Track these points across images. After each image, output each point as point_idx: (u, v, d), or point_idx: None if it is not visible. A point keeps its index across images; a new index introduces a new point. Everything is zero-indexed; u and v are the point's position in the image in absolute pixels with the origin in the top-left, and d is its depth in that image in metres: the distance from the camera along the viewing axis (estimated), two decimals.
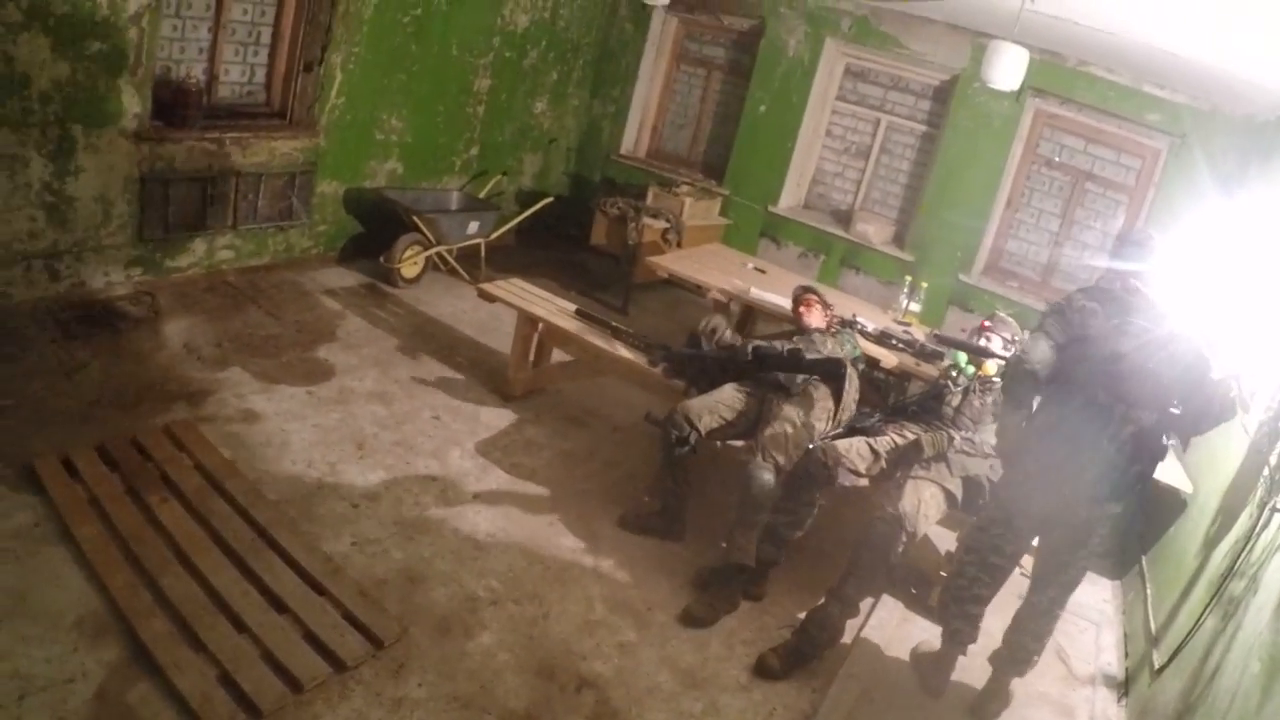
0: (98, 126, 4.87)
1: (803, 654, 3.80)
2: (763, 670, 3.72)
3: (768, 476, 4.06)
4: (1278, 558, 3.33)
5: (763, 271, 6.48)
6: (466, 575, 3.74)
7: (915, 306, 6.21)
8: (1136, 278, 3.52)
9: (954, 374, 4.60)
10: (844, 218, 8.08)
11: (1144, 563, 5.04)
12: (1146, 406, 3.38)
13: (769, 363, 4.52)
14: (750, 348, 4.57)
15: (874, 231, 7.76)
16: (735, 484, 4.13)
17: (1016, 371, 3.59)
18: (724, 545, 4.10)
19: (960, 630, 3.82)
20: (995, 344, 4.67)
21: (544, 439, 5.07)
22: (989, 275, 7.60)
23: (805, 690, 3.68)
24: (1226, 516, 4.02)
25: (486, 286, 5.45)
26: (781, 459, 4.12)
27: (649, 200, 7.73)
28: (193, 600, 3.13)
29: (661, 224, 7.47)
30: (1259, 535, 3.56)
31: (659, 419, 4.89)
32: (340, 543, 3.74)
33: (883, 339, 5.51)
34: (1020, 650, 3.79)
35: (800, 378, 4.51)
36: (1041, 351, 3.50)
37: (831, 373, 4.55)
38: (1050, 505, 3.53)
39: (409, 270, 6.71)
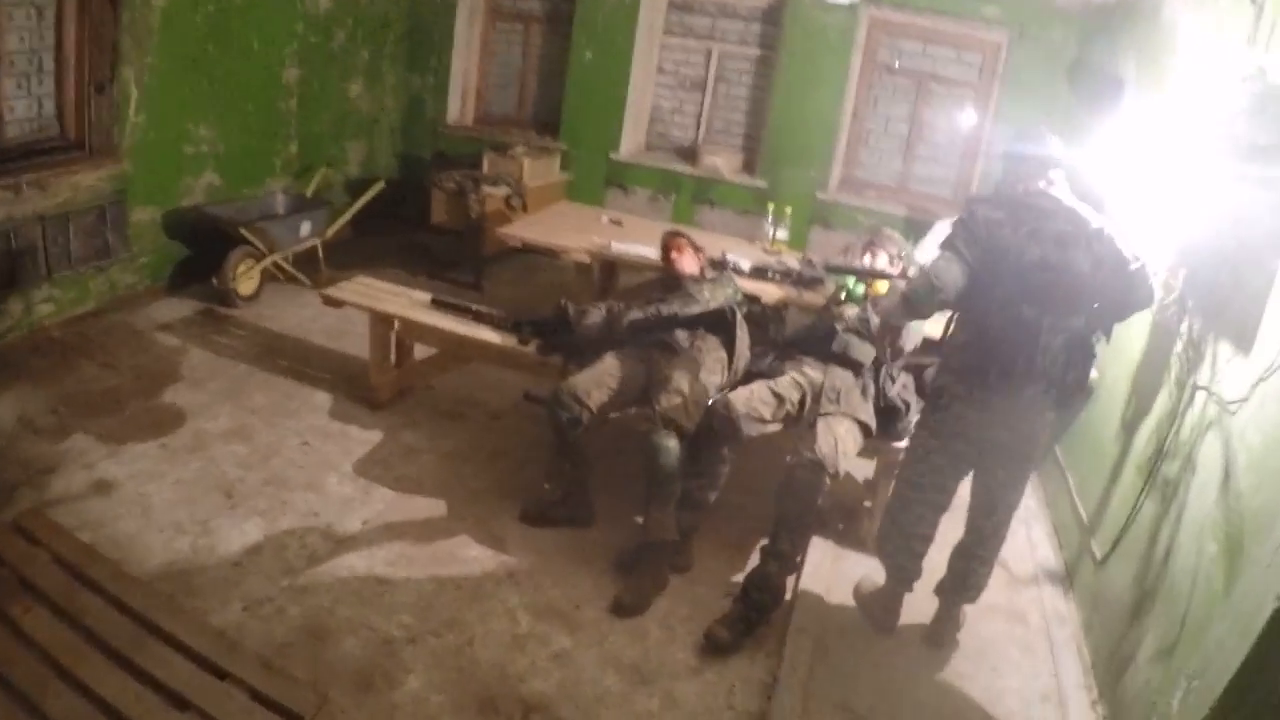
0: None
1: (749, 620, 3.74)
2: (712, 646, 3.65)
3: (671, 444, 3.94)
4: (1210, 435, 3.31)
5: (619, 223, 6.37)
6: (375, 616, 3.55)
7: (782, 234, 6.21)
8: (1038, 178, 3.44)
9: (842, 297, 4.59)
10: (690, 154, 7.99)
11: (1058, 452, 5.12)
12: (1073, 311, 3.32)
13: (651, 331, 4.43)
14: (626, 323, 4.46)
15: (723, 163, 7.70)
16: (638, 455, 4.01)
17: (926, 297, 3.44)
18: (640, 523, 4.00)
19: (906, 568, 3.80)
20: (881, 261, 4.64)
21: (423, 442, 4.87)
22: (845, 189, 7.65)
23: (759, 657, 3.65)
24: (1141, 399, 4.02)
25: (330, 291, 5.14)
26: (684, 422, 4.00)
27: (485, 168, 7.47)
28: (82, 719, 2.89)
29: (502, 190, 7.24)
30: (1184, 414, 3.54)
31: (541, 397, 4.76)
32: (230, 611, 3.48)
33: (759, 273, 5.48)
34: (970, 577, 3.78)
35: (685, 333, 4.44)
36: (954, 276, 3.36)
37: (718, 323, 4.48)
38: (990, 430, 3.48)
39: (245, 287, 6.33)
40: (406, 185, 8.23)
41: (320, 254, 6.85)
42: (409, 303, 5.11)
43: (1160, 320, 3.95)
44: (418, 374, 5.46)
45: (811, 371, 4.29)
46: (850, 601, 4.02)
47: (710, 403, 4.11)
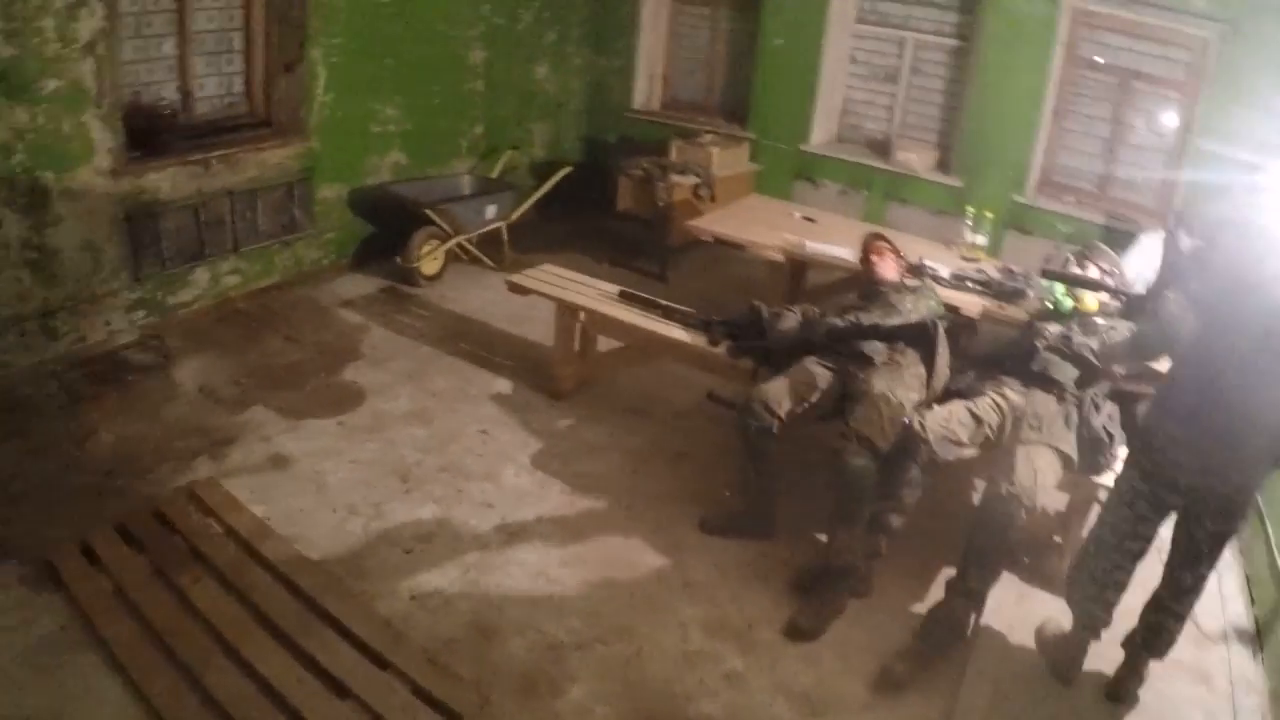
0: (69, 170, 4.51)
1: (927, 657, 3.42)
2: (888, 682, 3.33)
3: (862, 463, 3.62)
4: None
5: (812, 220, 6.02)
6: (543, 618, 3.36)
7: (980, 239, 5.73)
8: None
9: (1049, 308, 4.20)
10: (881, 148, 7.53)
11: (1257, 498, 4.52)
12: None
13: (849, 341, 4.12)
14: (824, 331, 4.16)
15: (916, 159, 7.23)
16: (827, 470, 3.69)
17: (1158, 347, 3.23)
18: (824, 543, 3.70)
19: (1096, 616, 3.43)
20: (1093, 274, 4.25)
21: (604, 439, 4.66)
22: (1043, 193, 7.05)
23: (933, 696, 3.31)
24: None
25: (517, 278, 4.99)
26: (878, 441, 3.67)
27: (673, 155, 7.23)
28: (244, 698, 2.77)
29: (691, 180, 6.99)
30: None
31: (725, 398, 4.55)
32: (398, 600, 3.35)
33: (957, 282, 5.06)
34: (1163, 633, 3.40)
35: (884, 345, 4.10)
36: (1189, 326, 3.04)
37: (919, 337, 4.12)
38: (1204, 479, 3.06)
39: (429, 267, 6.30)
40: (591, 169, 8.03)
41: (505, 237, 6.76)
42: (597, 294, 4.92)
43: None
44: (601, 367, 5.26)
45: (1013, 394, 3.92)
46: (1032, 644, 3.65)
47: (905, 422, 3.78)
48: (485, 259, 6.60)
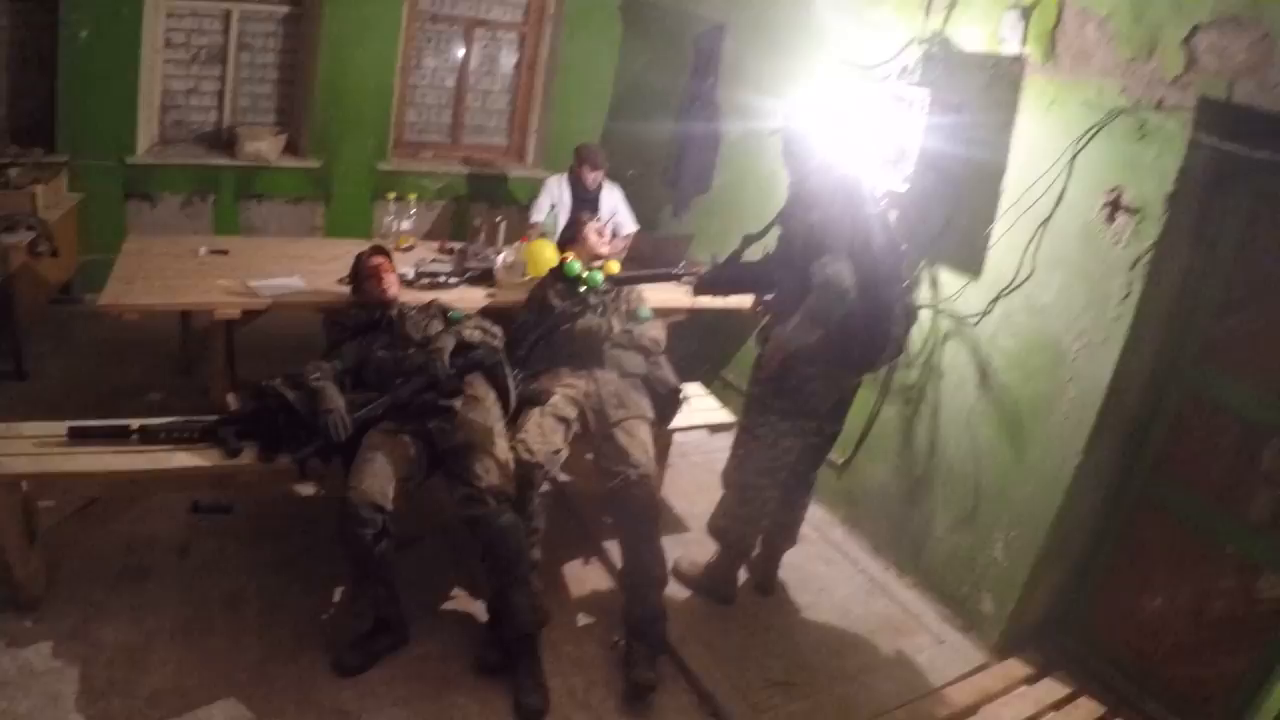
0: None
1: (656, 653, 3.53)
2: (643, 693, 3.40)
3: (511, 519, 3.39)
4: (952, 345, 4.04)
5: (224, 252, 5.00)
6: None
7: (406, 225, 5.35)
8: (845, 163, 3.46)
9: (581, 290, 4.19)
10: (217, 140, 6.56)
11: (728, 377, 5.64)
12: (904, 280, 3.37)
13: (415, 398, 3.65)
14: (377, 407, 3.59)
15: (267, 147, 6.41)
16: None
17: (839, 307, 3.21)
18: (502, 613, 3.43)
19: (750, 545, 3.90)
20: (605, 242, 4.47)
21: (132, 633, 3.40)
22: (400, 154, 7.00)
23: (668, 684, 3.54)
24: None
25: None
26: (508, 488, 3.43)
27: None
28: None
29: (24, 236, 5.23)
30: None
31: (214, 504, 4.00)
32: None
33: (429, 280, 4.70)
34: (796, 525, 4.00)
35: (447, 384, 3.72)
36: (850, 276, 3.16)
37: (484, 363, 3.81)
38: (835, 396, 3.58)
39: None
40: None
41: None
42: (34, 446, 3.42)
43: None
44: (64, 540, 3.78)
45: (576, 380, 3.93)
46: (677, 587, 3.96)
47: (515, 456, 3.59)
48: None
